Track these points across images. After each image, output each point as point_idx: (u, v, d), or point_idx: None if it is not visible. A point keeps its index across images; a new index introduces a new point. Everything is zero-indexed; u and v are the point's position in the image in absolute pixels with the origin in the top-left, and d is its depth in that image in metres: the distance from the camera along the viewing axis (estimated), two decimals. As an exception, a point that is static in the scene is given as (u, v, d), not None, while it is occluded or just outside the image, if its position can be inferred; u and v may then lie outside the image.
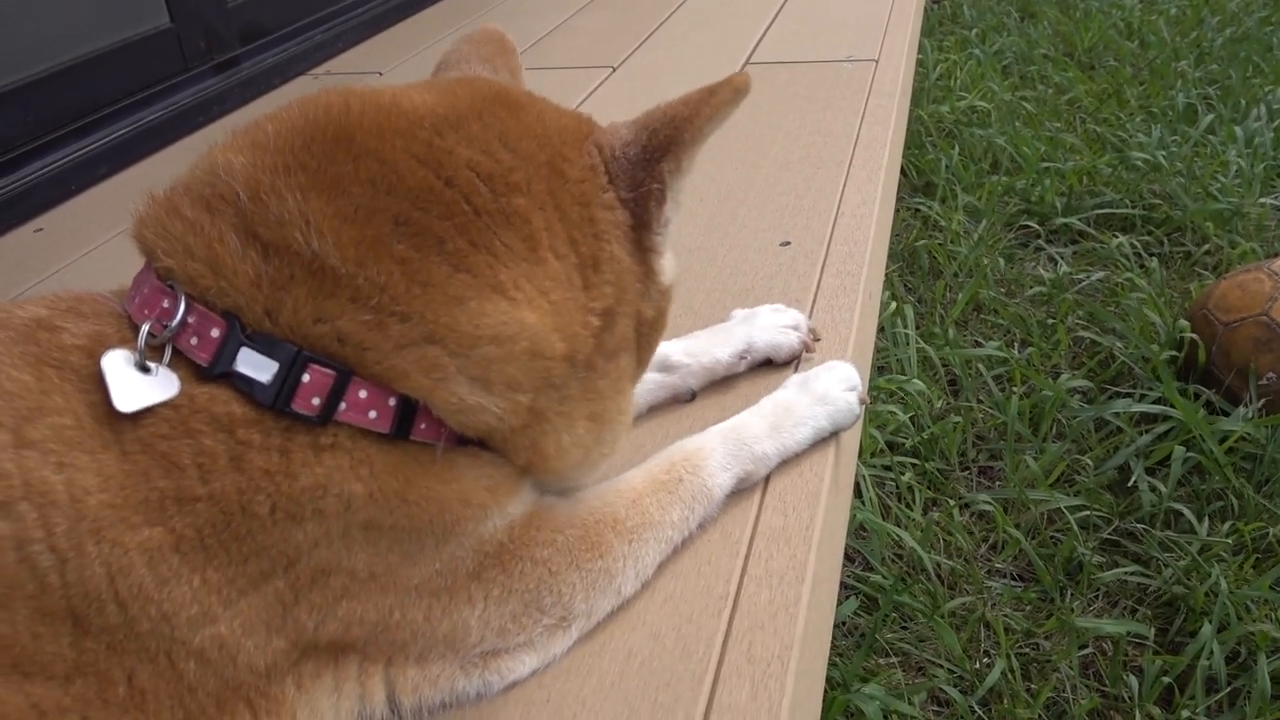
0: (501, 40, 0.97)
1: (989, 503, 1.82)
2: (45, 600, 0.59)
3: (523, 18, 2.86)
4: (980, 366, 2.15)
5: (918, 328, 2.24)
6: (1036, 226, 2.74)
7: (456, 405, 0.69)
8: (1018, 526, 1.79)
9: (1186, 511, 1.75)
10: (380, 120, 0.72)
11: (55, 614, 0.59)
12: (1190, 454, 1.84)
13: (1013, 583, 1.73)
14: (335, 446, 0.66)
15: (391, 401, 0.68)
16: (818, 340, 1.21)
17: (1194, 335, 2.04)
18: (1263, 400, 1.90)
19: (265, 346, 0.65)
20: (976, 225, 2.72)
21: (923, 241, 2.61)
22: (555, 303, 0.72)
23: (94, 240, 1.75)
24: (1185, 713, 1.46)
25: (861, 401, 1.03)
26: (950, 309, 2.39)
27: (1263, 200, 2.67)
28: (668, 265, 0.84)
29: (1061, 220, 2.73)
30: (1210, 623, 1.54)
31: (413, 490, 0.68)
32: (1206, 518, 1.75)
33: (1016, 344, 2.32)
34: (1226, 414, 1.93)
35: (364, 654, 0.72)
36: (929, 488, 1.90)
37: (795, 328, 1.18)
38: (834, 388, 1.02)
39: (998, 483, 1.93)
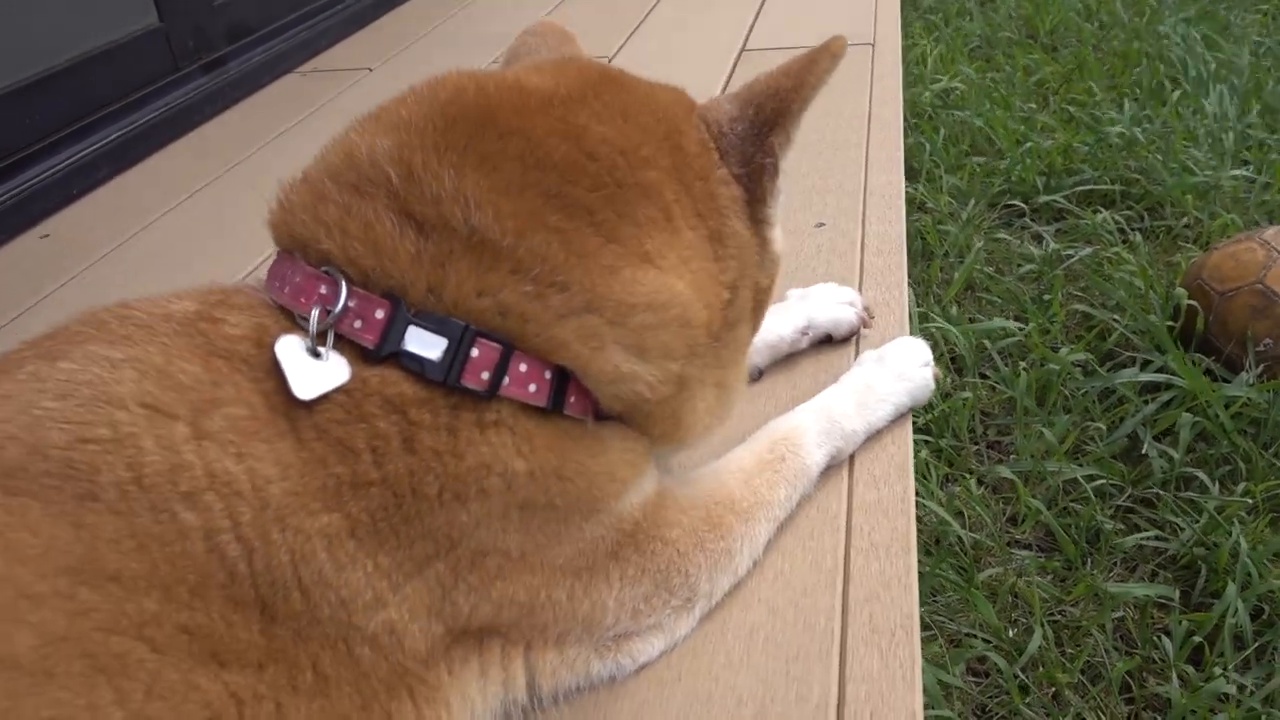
0: (563, 31, 0.98)
1: (1009, 475, 1.86)
2: (235, 589, 0.58)
3: (507, 9, 2.84)
4: (986, 343, 2.19)
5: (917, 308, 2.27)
6: (1021, 205, 2.79)
7: (612, 374, 0.70)
8: (1035, 498, 1.83)
9: (1202, 475, 1.80)
10: (516, 100, 0.72)
11: (245, 602, 0.59)
12: (1197, 420, 1.90)
13: (1035, 553, 1.76)
14: (499, 424, 0.66)
15: (548, 374, 0.68)
16: (872, 317, 1.23)
17: (1191, 303, 2.09)
18: (1261, 365, 1.97)
19: (434, 323, 0.66)
20: (964, 206, 2.76)
21: (914, 221, 2.64)
22: (695, 272, 0.74)
23: (102, 246, 1.71)
24: (1217, 669, 1.51)
25: (935, 377, 1.05)
26: (946, 289, 2.43)
27: (1235, 173, 2.75)
28: (779, 235, 0.85)
29: (1044, 199, 2.78)
30: (1234, 581, 1.59)
31: (568, 466, 0.69)
32: (1217, 481, 1.81)
33: (1012, 320, 2.36)
34: (1227, 380, 1.99)
35: (506, 638, 0.72)
36: (944, 464, 1.94)
37: (852, 304, 1.20)
38: (910, 364, 1.03)
39: (1011, 456, 1.96)
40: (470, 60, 2.45)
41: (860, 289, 1.30)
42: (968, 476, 1.89)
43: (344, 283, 0.66)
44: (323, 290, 0.66)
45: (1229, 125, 2.95)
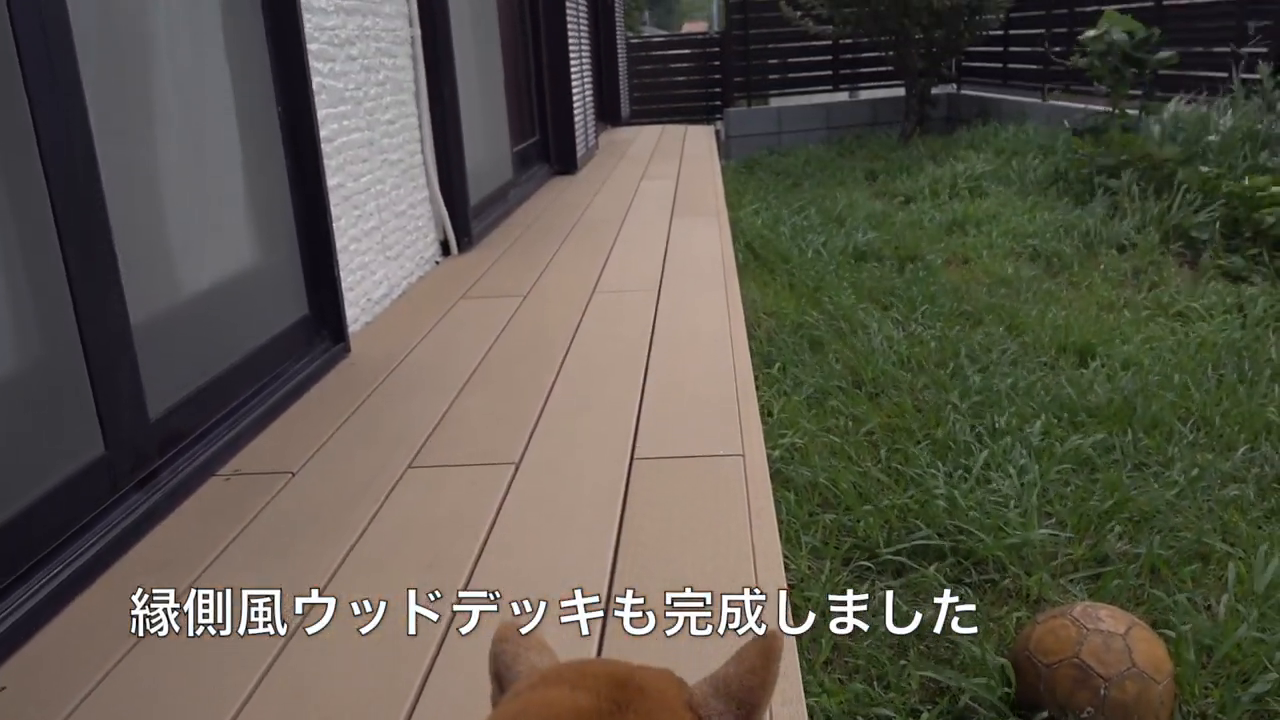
0: (538, 636, 1.25)
1: None
2: None
3: (409, 403, 3.15)
4: (861, 718, 2.48)
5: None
6: (868, 563, 3.19)
7: None
8: None
9: None
10: None
11: None
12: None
13: None
14: None
15: None
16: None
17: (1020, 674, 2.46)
18: (1087, 730, 2.32)
19: None
20: (821, 565, 3.13)
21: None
22: None
23: (68, 699, 1.81)
24: None
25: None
26: (816, 653, 2.74)
27: (1043, 531, 3.24)
28: None
29: (887, 555, 3.19)
30: None
31: None
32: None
33: (873, 683, 2.67)
34: (1061, 745, 2.33)
35: None
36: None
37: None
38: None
39: (896, 833, 2.21)
40: (390, 457, 2.72)
41: None
42: None
43: None
44: None
45: (1033, 484, 3.49)
